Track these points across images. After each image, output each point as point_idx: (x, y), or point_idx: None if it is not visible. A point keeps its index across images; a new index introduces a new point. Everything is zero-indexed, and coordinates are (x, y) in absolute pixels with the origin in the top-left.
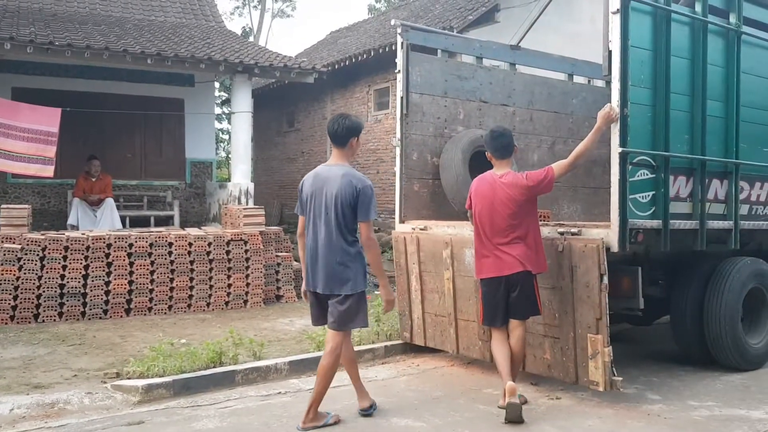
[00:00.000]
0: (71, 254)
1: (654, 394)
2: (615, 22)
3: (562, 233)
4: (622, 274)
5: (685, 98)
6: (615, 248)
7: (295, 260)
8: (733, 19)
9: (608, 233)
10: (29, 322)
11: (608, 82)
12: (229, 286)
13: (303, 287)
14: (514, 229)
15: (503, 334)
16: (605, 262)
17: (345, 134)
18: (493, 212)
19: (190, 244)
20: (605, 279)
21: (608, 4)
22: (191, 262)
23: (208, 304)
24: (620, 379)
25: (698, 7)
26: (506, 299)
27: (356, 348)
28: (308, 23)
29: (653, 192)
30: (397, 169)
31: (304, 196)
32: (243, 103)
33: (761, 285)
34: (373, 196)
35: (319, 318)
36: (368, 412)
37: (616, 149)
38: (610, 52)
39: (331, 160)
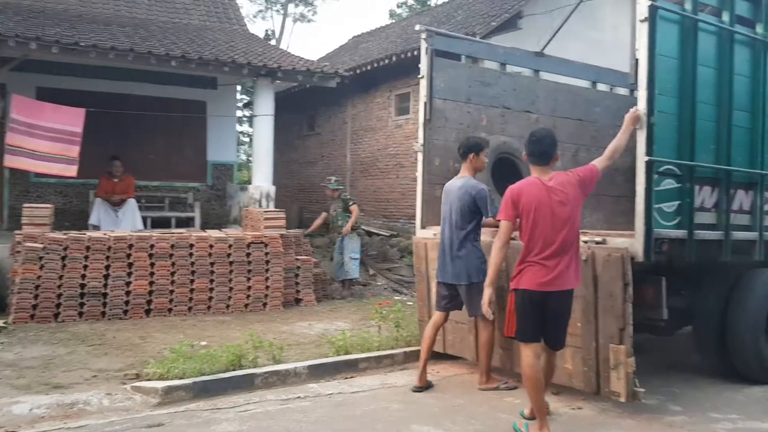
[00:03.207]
0: (92, 254)
1: (675, 406)
2: (642, 30)
3: (585, 242)
4: (646, 284)
5: (711, 108)
6: (640, 258)
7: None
8: (759, 29)
9: (633, 243)
10: (49, 322)
11: (633, 90)
12: (249, 288)
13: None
14: (570, 235)
15: (538, 350)
16: (630, 272)
17: (464, 151)
18: (553, 218)
19: (211, 246)
20: (629, 289)
21: (636, 13)
22: (211, 264)
23: (227, 306)
24: (642, 390)
25: (725, 17)
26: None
27: (375, 353)
28: (331, 28)
29: (678, 202)
30: (419, 174)
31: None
32: (265, 106)
33: None
34: (488, 196)
35: (443, 304)
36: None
37: (641, 158)
38: (637, 60)
39: (459, 173)
